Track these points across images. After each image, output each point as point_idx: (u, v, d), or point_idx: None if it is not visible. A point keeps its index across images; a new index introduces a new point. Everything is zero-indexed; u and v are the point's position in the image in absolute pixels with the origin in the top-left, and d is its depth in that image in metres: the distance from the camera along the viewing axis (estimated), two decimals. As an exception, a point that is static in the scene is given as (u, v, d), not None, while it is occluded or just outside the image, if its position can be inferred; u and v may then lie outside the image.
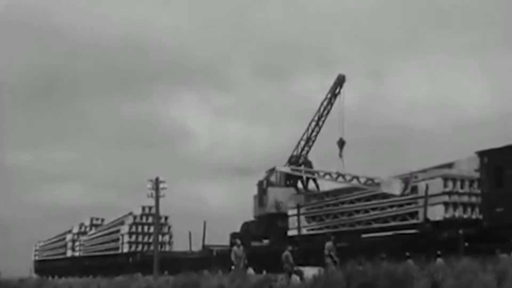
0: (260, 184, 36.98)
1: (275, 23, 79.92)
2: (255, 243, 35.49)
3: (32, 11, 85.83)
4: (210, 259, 36.72)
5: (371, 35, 76.99)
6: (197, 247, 40.76)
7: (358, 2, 76.97)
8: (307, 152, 34.53)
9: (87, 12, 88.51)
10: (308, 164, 33.65)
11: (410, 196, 26.15)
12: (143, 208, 48.32)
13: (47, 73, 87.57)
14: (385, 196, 27.41)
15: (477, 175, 24.21)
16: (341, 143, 33.14)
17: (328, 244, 23.00)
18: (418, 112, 72.82)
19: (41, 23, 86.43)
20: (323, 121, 34.54)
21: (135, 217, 48.92)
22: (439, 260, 21.13)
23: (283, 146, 36.10)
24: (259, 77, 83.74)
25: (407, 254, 24.07)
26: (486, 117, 64.64)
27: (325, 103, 34.37)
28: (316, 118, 34.67)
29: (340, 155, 31.52)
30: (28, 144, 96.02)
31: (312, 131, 34.69)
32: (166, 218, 48.28)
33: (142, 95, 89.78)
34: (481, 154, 23.49)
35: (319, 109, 34.54)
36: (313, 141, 34.44)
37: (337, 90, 34.22)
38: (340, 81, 34.26)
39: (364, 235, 26.32)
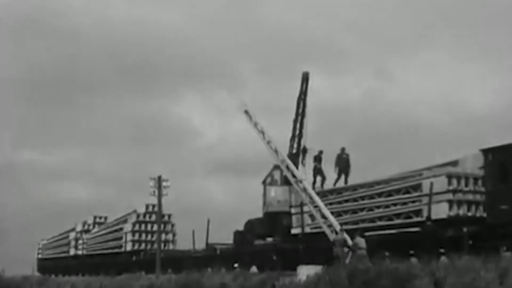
0: (264, 182, 36.89)
1: (281, 21, 79.68)
2: (258, 241, 35.38)
3: (37, 7, 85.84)
4: (213, 257, 36.64)
5: (376, 32, 76.76)
6: (200, 245, 40.67)
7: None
8: (297, 149, 34.35)
9: (92, 9, 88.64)
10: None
11: (414, 194, 26.00)
12: (147, 206, 48.23)
13: (51, 70, 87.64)
14: (389, 194, 27.27)
15: (481, 172, 24.04)
16: (304, 151, 33.15)
17: None
18: (424, 109, 72.62)
19: (46, 19, 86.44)
20: (302, 117, 34.19)
21: (138, 215, 48.81)
22: (443, 258, 21.06)
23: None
24: (264, 74, 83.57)
25: (411, 252, 24.00)
26: (491, 114, 64.35)
27: (301, 103, 34.18)
28: (295, 116, 34.45)
29: (302, 163, 31.46)
30: (31, 141, 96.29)
31: (297, 129, 34.52)
32: (169, 216, 48.20)
33: (146, 92, 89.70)
34: (486, 151, 23.35)
35: (296, 107, 34.35)
36: (299, 138, 34.33)
37: (304, 88, 34.02)
38: (304, 78, 34.04)
39: (367, 233, 26.12)
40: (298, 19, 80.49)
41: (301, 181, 30.15)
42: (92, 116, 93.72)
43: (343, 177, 31.85)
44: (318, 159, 32.99)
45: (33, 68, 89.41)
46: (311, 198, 29.47)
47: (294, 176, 31.04)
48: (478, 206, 24.41)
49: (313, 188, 31.56)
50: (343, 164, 31.95)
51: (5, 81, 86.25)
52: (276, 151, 32.12)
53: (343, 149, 32.40)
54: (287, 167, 31.42)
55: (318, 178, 32.95)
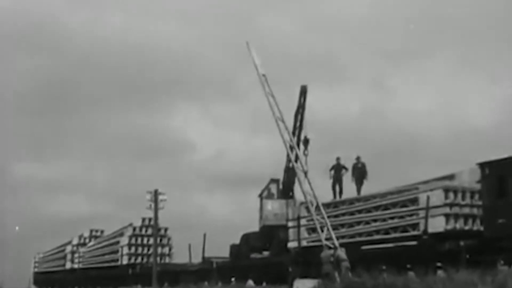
0: (261, 196, 36.79)
1: (278, 32, 79.70)
2: (254, 255, 35.31)
3: (35, 19, 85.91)
4: (210, 271, 36.56)
5: (375, 44, 76.77)
6: (197, 258, 40.59)
7: (363, 10, 76.80)
8: (295, 161, 34.08)
9: (89, 21, 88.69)
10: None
11: (411, 208, 25.95)
12: (143, 220, 48.17)
13: (49, 83, 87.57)
14: (386, 207, 27.20)
15: (478, 186, 24.02)
16: (305, 141, 32.78)
17: None
18: (422, 122, 72.48)
19: (44, 31, 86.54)
20: (299, 131, 33.72)
21: (134, 229, 48.72)
22: (440, 272, 20.99)
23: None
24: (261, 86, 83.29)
25: (408, 266, 23.91)
26: (489, 128, 64.30)
27: (298, 116, 33.80)
28: (293, 130, 33.88)
29: (304, 153, 31.34)
30: (28, 154, 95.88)
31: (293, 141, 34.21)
32: (165, 229, 48.16)
33: (143, 105, 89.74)
34: (483, 165, 23.33)
35: (294, 121, 33.90)
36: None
37: (302, 101, 33.69)
38: (302, 92, 33.81)
39: (364, 247, 26.00)
40: (297, 32, 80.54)
41: (305, 172, 29.47)
42: (89, 130, 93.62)
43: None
44: (337, 168, 32.05)
45: (33, 81, 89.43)
46: (313, 190, 28.69)
47: (297, 159, 30.29)
48: (475, 220, 24.37)
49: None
50: (357, 174, 31.16)
51: (5, 94, 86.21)
52: (286, 129, 31.04)
53: (358, 158, 31.37)
54: (291, 148, 30.60)
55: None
